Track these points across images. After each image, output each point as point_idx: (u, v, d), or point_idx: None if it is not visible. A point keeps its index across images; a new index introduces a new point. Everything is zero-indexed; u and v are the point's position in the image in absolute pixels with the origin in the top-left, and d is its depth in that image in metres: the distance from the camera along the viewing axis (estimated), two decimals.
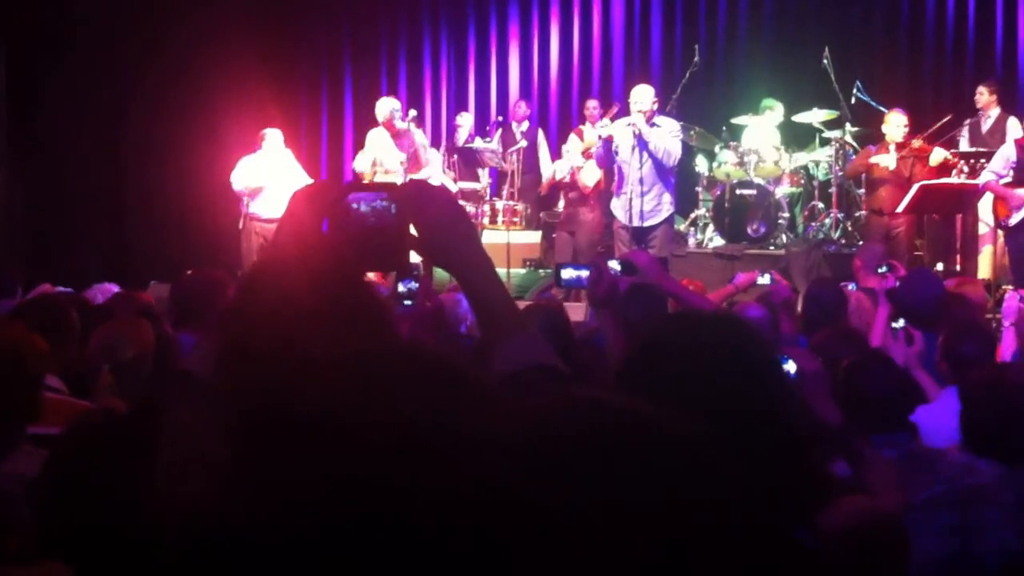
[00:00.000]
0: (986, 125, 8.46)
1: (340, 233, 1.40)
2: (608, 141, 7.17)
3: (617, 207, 7.33)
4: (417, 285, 2.55)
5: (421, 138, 8.42)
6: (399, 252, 1.42)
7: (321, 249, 1.40)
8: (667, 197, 7.14)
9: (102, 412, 1.79)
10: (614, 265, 3.05)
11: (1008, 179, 7.25)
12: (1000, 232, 7.76)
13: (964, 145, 8.42)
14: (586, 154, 7.94)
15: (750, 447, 1.24)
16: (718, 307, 3.48)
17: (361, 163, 8.45)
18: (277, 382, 1.16)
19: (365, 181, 8.21)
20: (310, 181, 8.72)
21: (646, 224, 7.10)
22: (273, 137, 8.57)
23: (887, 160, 7.89)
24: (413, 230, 1.41)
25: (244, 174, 8.47)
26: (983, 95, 8.46)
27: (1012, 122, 8.40)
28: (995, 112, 8.42)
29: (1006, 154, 7.32)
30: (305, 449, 1.08)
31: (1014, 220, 7.13)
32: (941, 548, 2.38)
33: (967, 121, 8.54)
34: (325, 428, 1.08)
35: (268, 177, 8.48)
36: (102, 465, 1.43)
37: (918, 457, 2.49)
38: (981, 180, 7.43)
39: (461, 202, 9.07)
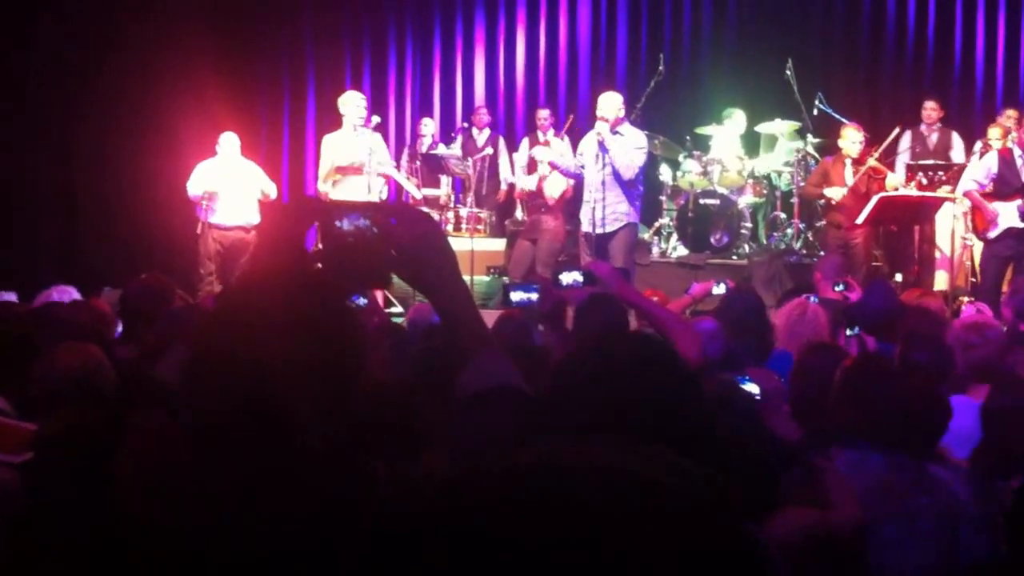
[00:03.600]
0: (932, 139, 8.64)
1: (327, 251, 1.41)
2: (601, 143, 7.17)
3: (582, 216, 7.34)
4: (364, 300, 2.56)
5: (379, 144, 8.35)
6: (379, 271, 1.46)
7: (301, 267, 1.40)
8: (624, 207, 7.10)
9: (65, 427, 1.76)
10: (575, 276, 3.03)
11: (988, 189, 7.40)
12: (956, 244, 7.89)
13: (904, 154, 8.56)
14: (552, 164, 7.93)
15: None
16: (679, 319, 3.47)
17: (323, 175, 8.42)
18: (246, 395, 1.16)
19: (332, 191, 8.18)
20: (270, 185, 8.67)
21: (606, 231, 7.10)
22: (229, 142, 8.47)
23: (838, 193, 7.96)
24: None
25: (200, 180, 8.38)
26: (935, 111, 8.63)
27: (956, 138, 8.64)
28: (939, 127, 8.66)
29: (987, 164, 7.46)
30: (268, 459, 1.08)
31: (993, 234, 7.29)
32: (923, 558, 2.39)
33: (908, 130, 8.67)
34: (289, 441, 1.08)
35: (225, 182, 8.39)
36: (72, 477, 1.44)
37: (904, 467, 2.49)
38: (961, 188, 7.57)
39: (426, 208, 9.10)
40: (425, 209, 9.12)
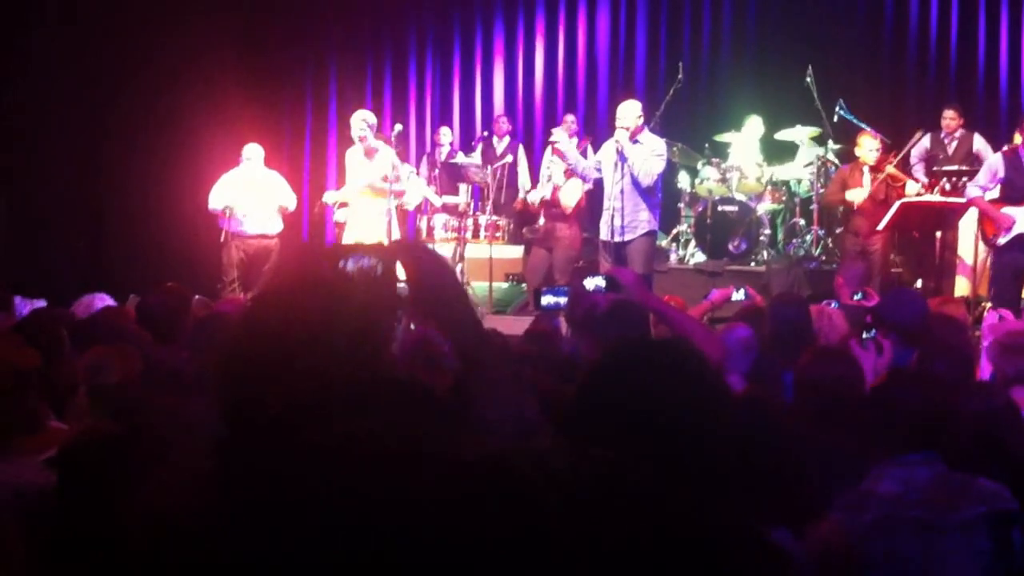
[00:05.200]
0: (952, 146, 8.51)
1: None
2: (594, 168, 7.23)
3: (601, 224, 7.35)
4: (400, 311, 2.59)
5: (392, 156, 8.30)
6: (387, 308, 1.48)
7: (327, 272, 1.43)
8: (645, 215, 7.11)
9: (93, 433, 1.80)
10: (598, 282, 3.05)
11: (994, 192, 7.12)
12: (979, 250, 7.79)
13: (917, 159, 8.48)
14: (567, 172, 7.96)
15: (699, 466, 1.29)
16: (701, 325, 3.48)
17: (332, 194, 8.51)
18: (272, 401, 1.18)
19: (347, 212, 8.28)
20: (290, 198, 8.74)
21: (625, 239, 7.11)
22: (254, 151, 8.55)
23: (860, 195, 7.90)
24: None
25: (223, 191, 8.45)
26: (954, 120, 8.49)
27: (979, 140, 8.46)
28: (959, 133, 8.50)
29: (993, 166, 7.09)
30: (291, 465, 1.10)
31: (1002, 240, 6.99)
32: (978, 570, 2.39)
33: (928, 133, 8.53)
34: (312, 445, 1.10)
35: (248, 192, 8.47)
36: (100, 482, 1.46)
37: (951, 480, 2.48)
38: (968, 195, 7.34)
39: (445, 216, 9.13)
40: (445, 216, 9.17)
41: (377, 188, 7.98)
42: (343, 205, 8.46)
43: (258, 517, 1.05)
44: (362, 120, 8.01)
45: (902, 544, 2.36)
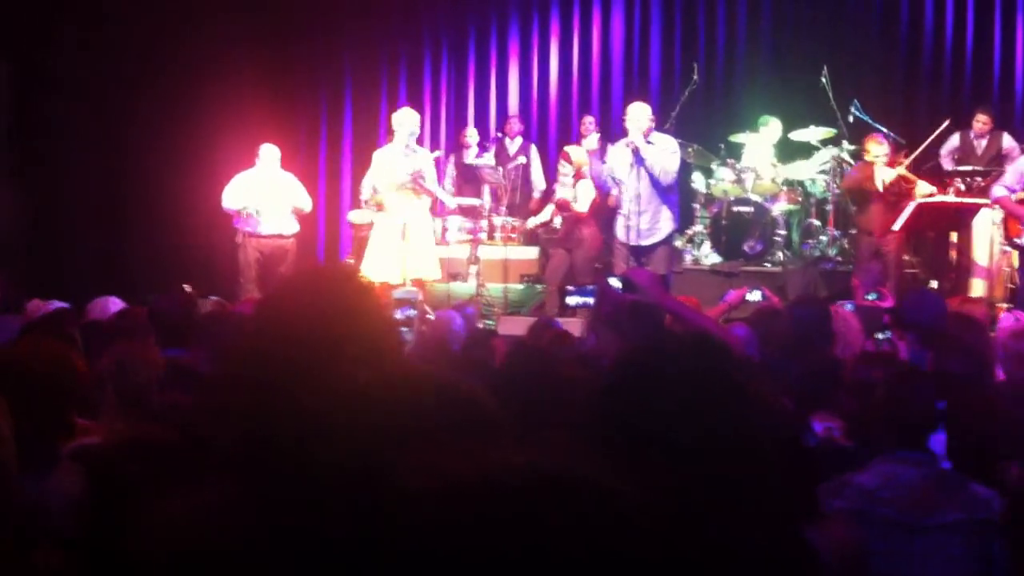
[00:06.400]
0: (981, 147, 8.49)
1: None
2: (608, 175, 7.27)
3: (617, 225, 7.36)
4: (415, 312, 2.62)
5: (426, 162, 8.29)
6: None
7: (339, 272, 1.44)
8: (667, 214, 7.15)
9: (139, 434, 1.80)
10: (614, 283, 3.08)
11: (1022, 195, 7.13)
12: (994, 251, 7.79)
13: (947, 161, 8.46)
14: (577, 175, 7.98)
15: (730, 465, 1.28)
16: (717, 326, 3.49)
17: (365, 191, 8.57)
18: (283, 396, 1.18)
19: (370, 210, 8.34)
20: (305, 200, 8.79)
21: (644, 243, 7.11)
22: (270, 152, 8.60)
23: (889, 174, 7.87)
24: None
25: (237, 191, 8.51)
26: (986, 124, 8.44)
27: (1008, 139, 8.44)
28: (988, 136, 8.48)
29: (1020, 168, 7.18)
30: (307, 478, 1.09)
31: None
32: (953, 573, 2.39)
33: (957, 131, 8.52)
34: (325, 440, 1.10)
35: (264, 193, 8.52)
36: (146, 486, 1.44)
37: (944, 481, 2.48)
38: (994, 195, 7.37)
39: (460, 218, 9.14)
40: (460, 217, 9.19)
41: (407, 187, 7.97)
42: (380, 208, 8.37)
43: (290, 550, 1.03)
44: (414, 120, 8.04)
45: (869, 539, 2.33)
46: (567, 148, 8.35)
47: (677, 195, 7.27)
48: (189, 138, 9.57)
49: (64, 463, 2.15)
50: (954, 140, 8.55)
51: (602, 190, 7.76)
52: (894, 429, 2.56)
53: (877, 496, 2.42)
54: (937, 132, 8.34)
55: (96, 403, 2.91)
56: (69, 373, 2.28)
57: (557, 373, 2.47)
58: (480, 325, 6.70)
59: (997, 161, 8.29)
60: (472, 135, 9.95)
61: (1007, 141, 8.43)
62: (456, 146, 10.20)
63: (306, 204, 8.80)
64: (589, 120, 9.57)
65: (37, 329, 3.37)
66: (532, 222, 8.76)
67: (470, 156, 9.70)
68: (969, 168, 8.15)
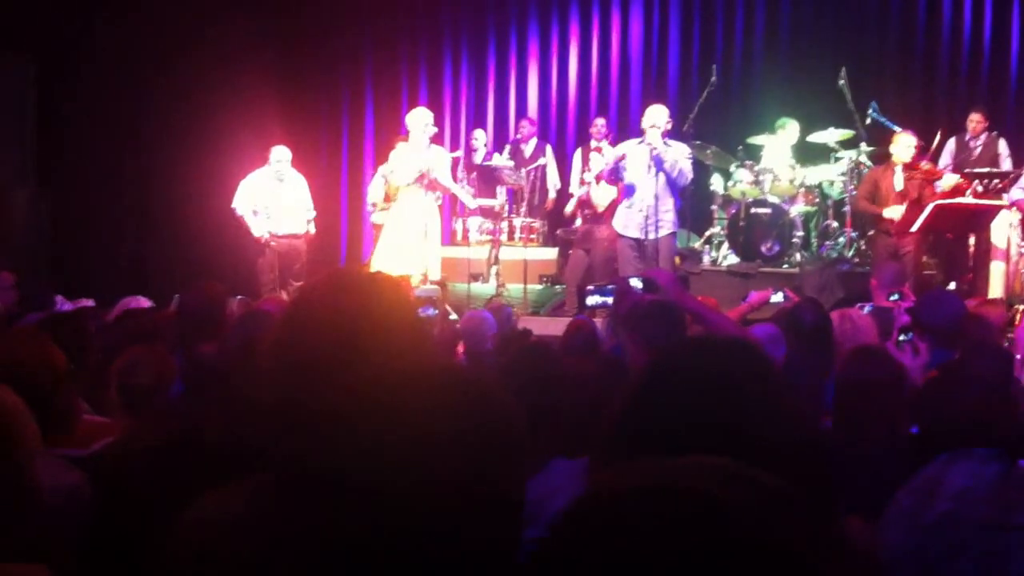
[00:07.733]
0: (977, 148, 8.50)
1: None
2: (618, 161, 7.38)
3: (627, 225, 7.44)
4: (436, 311, 2.67)
5: (438, 159, 8.38)
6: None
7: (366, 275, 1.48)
8: (671, 215, 7.46)
9: (153, 432, 1.78)
10: (635, 283, 3.13)
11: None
12: (1011, 253, 7.79)
13: (946, 161, 8.48)
14: (597, 178, 8.11)
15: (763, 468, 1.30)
16: (736, 326, 3.53)
17: (375, 192, 8.66)
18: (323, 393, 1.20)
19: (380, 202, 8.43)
20: (310, 208, 8.86)
21: (649, 236, 7.30)
22: (282, 155, 8.67)
23: (896, 213, 7.92)
24: None
25: (247, 193, 8.61)
26: (980, 123, 8.48)
27: (1004, 145, 8.48)
28: (984, 137, 8.48)
29: None
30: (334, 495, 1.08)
31: None
32: None
33: (953, 136, 8.57)
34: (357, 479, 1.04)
35: (276, 192, 8.61)
36: (155, 486, 1.39)
37: (1016, 476, 2.41)
38: (1012, 197, 7.42)
39: (480, 218, 9.23)
40: (480, 219, 9.27)
41: (416, 183, 8.06)
42: (387, 201, 8.54)
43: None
44: (426, 119, 8.17)
45: (967, 541, 2.31)
46: (601, 144, 8.54)
47: (681, 196, 7.53)
48: (212, 139, 9.68)
49: (61, 463, 2.10)
50: (950, 145, 8.58)
51: (612, 183, 7.89)
52: (976, 430, 2.49)
53: (972, 497, 2.36)
54: (935, 143, 8.35)
55: (105, 402, 2.93)
56: (42, 371, 2.18)
57: (560, 370, 2.47)
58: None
59: (995, 165, 8.33)
60: (479, 137, 10.01)
61: (1003, 147, 8.46)
62: (466, 149, 10.28)
63: (309, 212, 8.86)
64: (600, 123, 9.61)
65: (50, 326, 3.35)
66: (568, 207, 8.85)
67: (478, 158, 9.77)
68: (986, 170, 8.15)
